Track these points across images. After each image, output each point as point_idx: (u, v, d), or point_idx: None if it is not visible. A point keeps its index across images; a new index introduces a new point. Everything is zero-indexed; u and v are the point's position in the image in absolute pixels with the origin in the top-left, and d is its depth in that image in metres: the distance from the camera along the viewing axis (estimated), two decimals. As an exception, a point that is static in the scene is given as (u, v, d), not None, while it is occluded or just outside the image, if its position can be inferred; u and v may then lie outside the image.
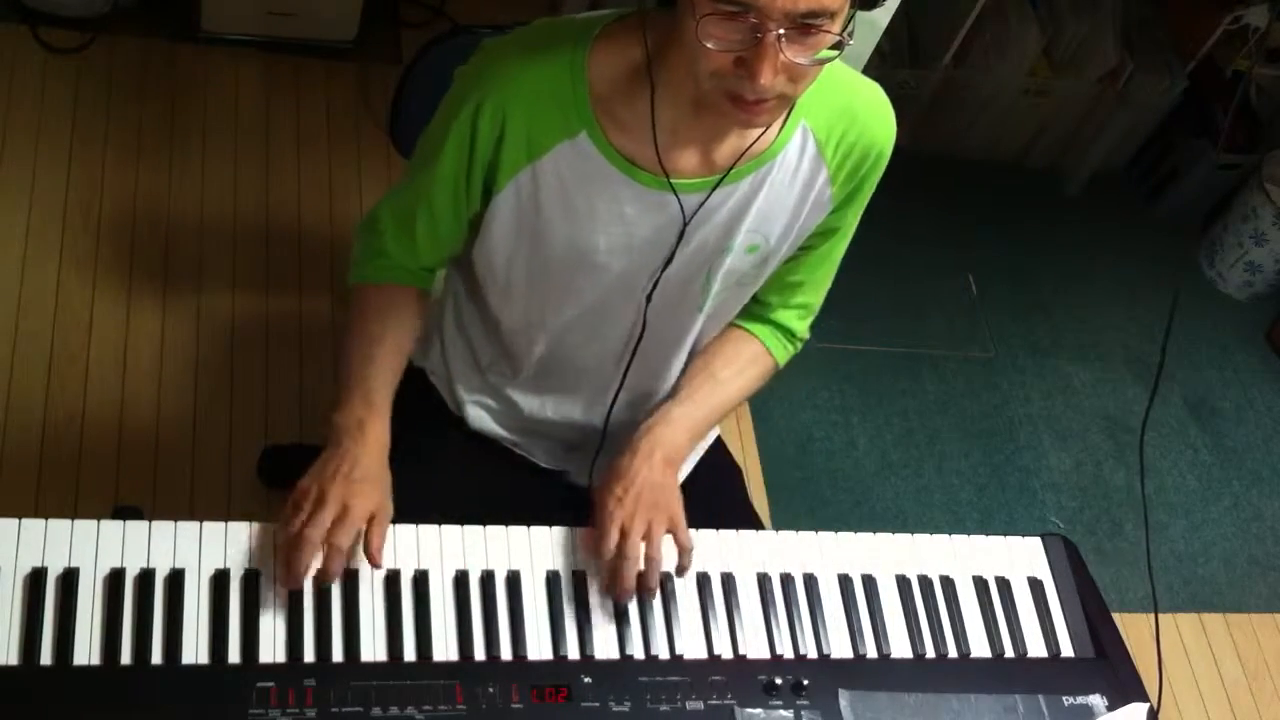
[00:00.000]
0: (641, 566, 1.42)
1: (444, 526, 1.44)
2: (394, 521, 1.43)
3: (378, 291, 1.54)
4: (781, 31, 1.18)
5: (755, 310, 1.63)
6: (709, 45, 1.20)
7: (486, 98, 1.36)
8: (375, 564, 1.37)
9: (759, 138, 1.39)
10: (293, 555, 1.32)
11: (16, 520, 1.32)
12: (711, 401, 1.58)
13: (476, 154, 1.40)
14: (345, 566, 1.35)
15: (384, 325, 1.51)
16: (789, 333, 1.65)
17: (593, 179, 1.40)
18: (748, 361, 1.62)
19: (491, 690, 1.32)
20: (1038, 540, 1.64)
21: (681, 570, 1.46)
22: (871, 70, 2.85)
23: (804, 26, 1.19)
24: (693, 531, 1.51)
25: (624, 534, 1.42)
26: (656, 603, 1.44)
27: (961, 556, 1.59)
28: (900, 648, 1.50)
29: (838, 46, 1.22)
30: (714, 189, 1.41)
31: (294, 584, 1.33)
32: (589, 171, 1.39)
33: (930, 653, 1.50)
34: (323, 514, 1.34)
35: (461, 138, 1.39)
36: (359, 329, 1.51)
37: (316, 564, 1.34)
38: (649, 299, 1.51)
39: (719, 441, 1.87)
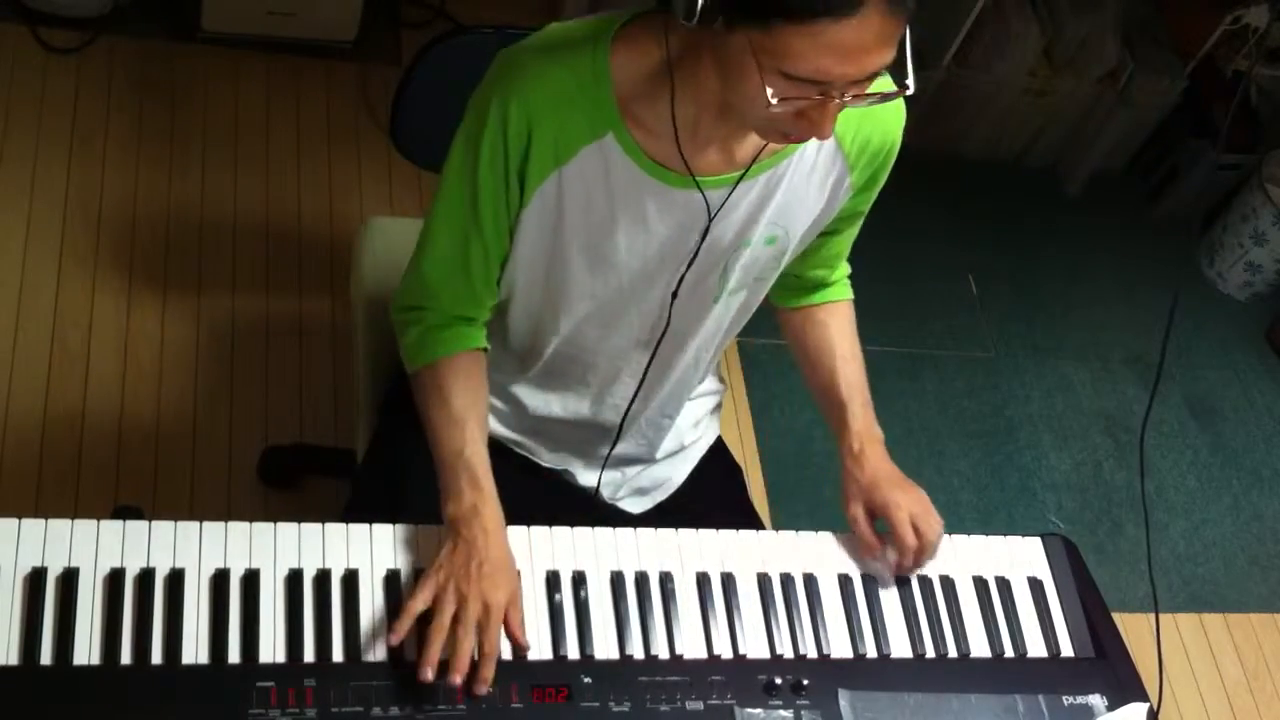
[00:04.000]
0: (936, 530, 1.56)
1: (444, 527, 1.44)
2: (394, 521, 1.44)
3: (446, 365, 1.50)
4: (849, 96, 1.21)
5: (814, 284, 1.69)
6: (774, 105, 1.20)
7: (512, 105, 1.34)
8: (523, 647, 1.37)
9: None
10: (435, 652, 1.31)
11: (16, 520, 1.32)
12: (862, 379, 1.68)
13: (510, 162, 1.38)
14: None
15: (465, 399, 1.48)
16: (846, 276, 1.74)
17: (618, 180, 1.39)
18: (848, 323, 1.72)
19: (491, 690, 1.32)
20: (1038, 540, 1.64)
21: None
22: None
23: (866, 81, 1.21)
24: (692, 531, 1.52)
25: (914, 516, 1.55)
26: (657, 602, 1.45)
27: (961, 556, 1.59)
28: (900, 648, 1.50)
29: (898, 86, 1.25)
30: (737, 184, 1.41)
31: (433, 677, 1.30)
32: (614, 173, 1.39)
33: (930, 653, 1.50)
34: (467, 615, 1.33)
35: (494, 149, 1.37)
36: (441, 409, 1.48)
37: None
38: (674, 296, 1.51)
39: (719, 441, 1.87)
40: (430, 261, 1.48)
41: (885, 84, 1.27)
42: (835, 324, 1.70)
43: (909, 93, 1.25)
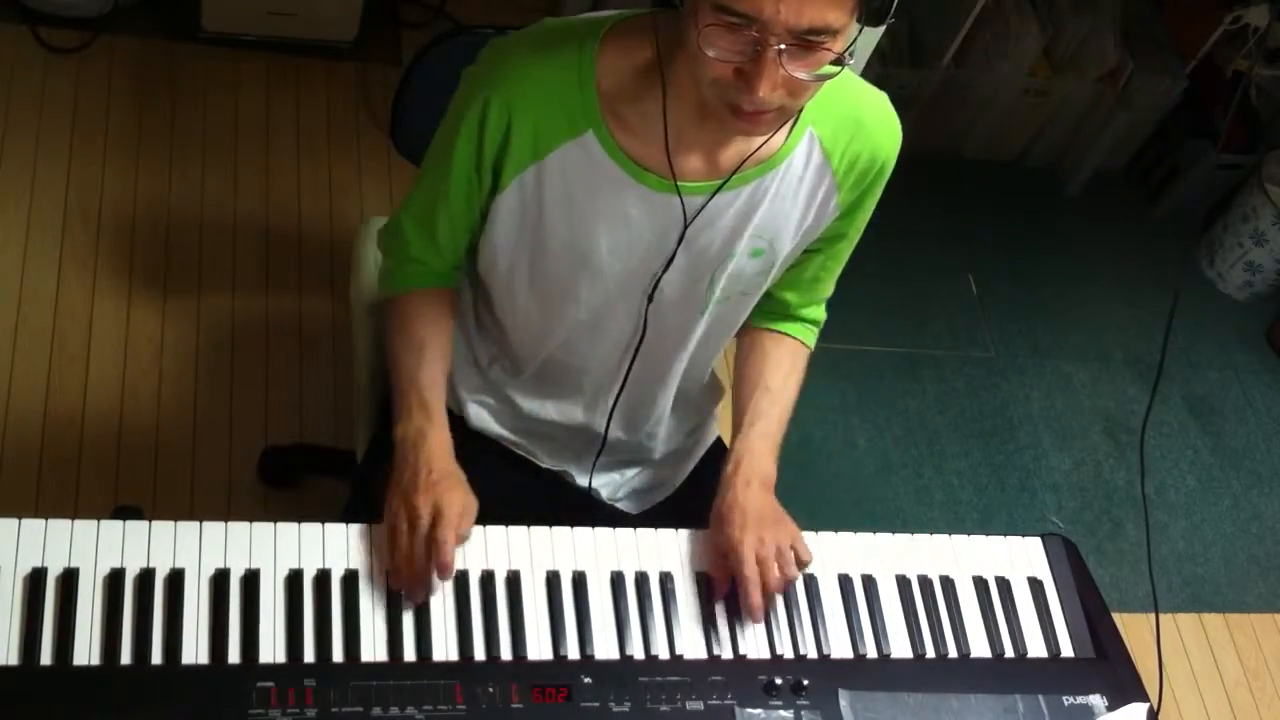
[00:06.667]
0: (776, 579, 1.46)
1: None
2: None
3: (415, 298, 1.55)
4: (783, 46, 1.18)
5: (779, 310, 1.65)
6: (710, 54, 1.20)
7: (493, 96, 1.36)
8: (446, 565, 1.38)
9: (765, 142, 1.39)
10: (412, 576, 1.36)
11: (16, 520, 1.32)
12: (775, 413, 1.60)
13: (485, 150, 1.41)
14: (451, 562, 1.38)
15: (426, 330, 1.53)
16: (813, 321, 1.68)
17: (598, 180, 1.40)
18: (790, 360, 1.65)
19: (491, 690, 1.32)
20: (1038, 540, 1.64)
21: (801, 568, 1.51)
22: (872, 70, 2.85)
23: (806, 42, 1.19)
24: (692, 531, 1.52)
25: (759, 560, 1.46)
26: (657, 602, 1.45)
27: (961, 556, 1.59)
28: (900, 648, 1.50)
29: (839, 63, 1.22)
30: (716, 192, 1.41)
31: (426, 596, 1.37)
32: (594, 172, 1.39)
33: (930, 653, 1.50)
34: (420, 523, 1.37)
35: (470, 135, 1.40)
36: (402, 338, 1.53)
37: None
38: (650, 300, 1.51)
39: (719, 441, 1.86)
40: (407, 211, 1.53)
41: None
42: (775, 356, 1.64)
43: (850, 63, 1.23)
